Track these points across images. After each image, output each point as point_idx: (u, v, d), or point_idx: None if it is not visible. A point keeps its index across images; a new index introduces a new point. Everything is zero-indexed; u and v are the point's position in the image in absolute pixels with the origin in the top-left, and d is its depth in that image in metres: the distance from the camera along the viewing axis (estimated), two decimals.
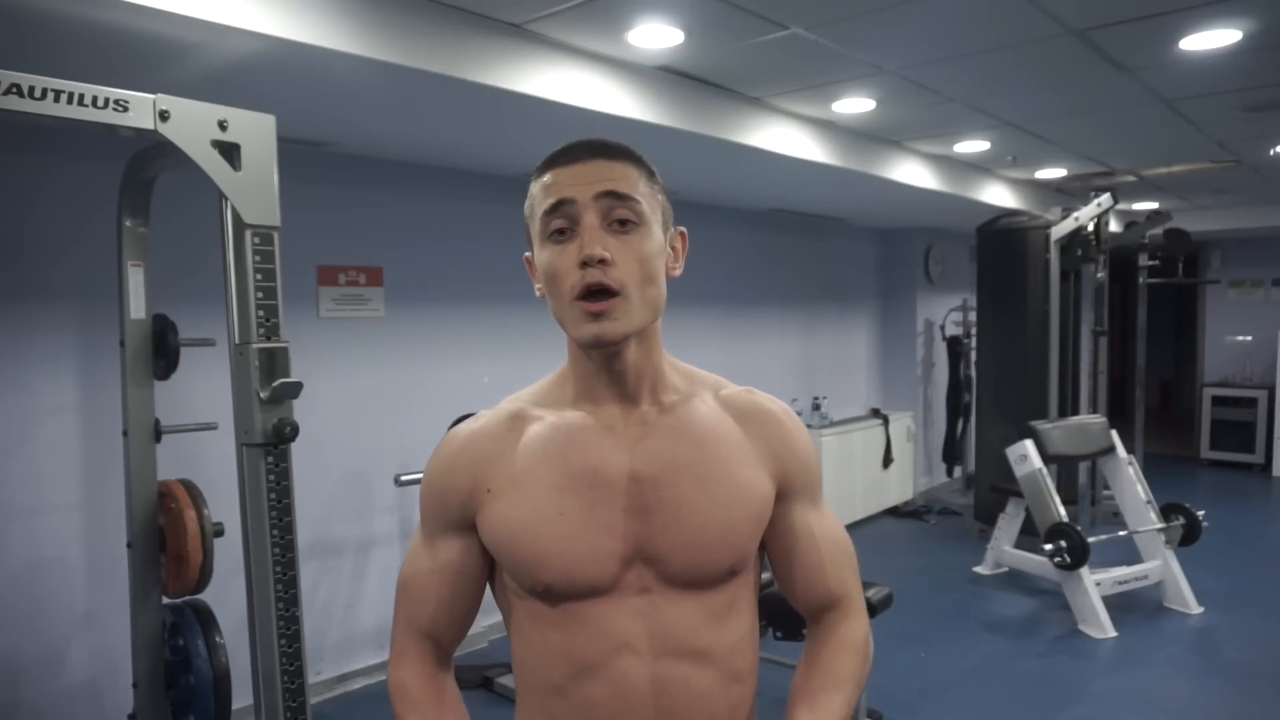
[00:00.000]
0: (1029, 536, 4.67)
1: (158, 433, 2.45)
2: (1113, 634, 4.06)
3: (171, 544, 2.39)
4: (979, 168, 5.33)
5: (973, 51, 3.00)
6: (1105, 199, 5.31)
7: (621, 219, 0.95)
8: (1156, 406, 10.26)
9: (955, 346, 6.83)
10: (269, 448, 2.01)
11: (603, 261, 0.93)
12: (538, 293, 1.03)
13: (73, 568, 2.92)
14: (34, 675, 2.85)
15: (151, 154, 2.23)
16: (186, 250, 2.90)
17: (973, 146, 4.62)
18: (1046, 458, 4.48)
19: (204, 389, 2.74)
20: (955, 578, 5.04)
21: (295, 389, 2.02)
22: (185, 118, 1.88)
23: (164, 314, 2.47)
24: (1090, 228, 5.47)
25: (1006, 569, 4.99)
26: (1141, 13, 2.65)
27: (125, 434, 2.41)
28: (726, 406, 1.06)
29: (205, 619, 2.39)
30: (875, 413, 6.65)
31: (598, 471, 0.99)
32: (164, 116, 1.85)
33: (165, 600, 2.48)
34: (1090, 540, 4.09)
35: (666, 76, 3.16)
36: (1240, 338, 8.48)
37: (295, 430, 2.03)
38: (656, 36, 2.75)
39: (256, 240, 1.99)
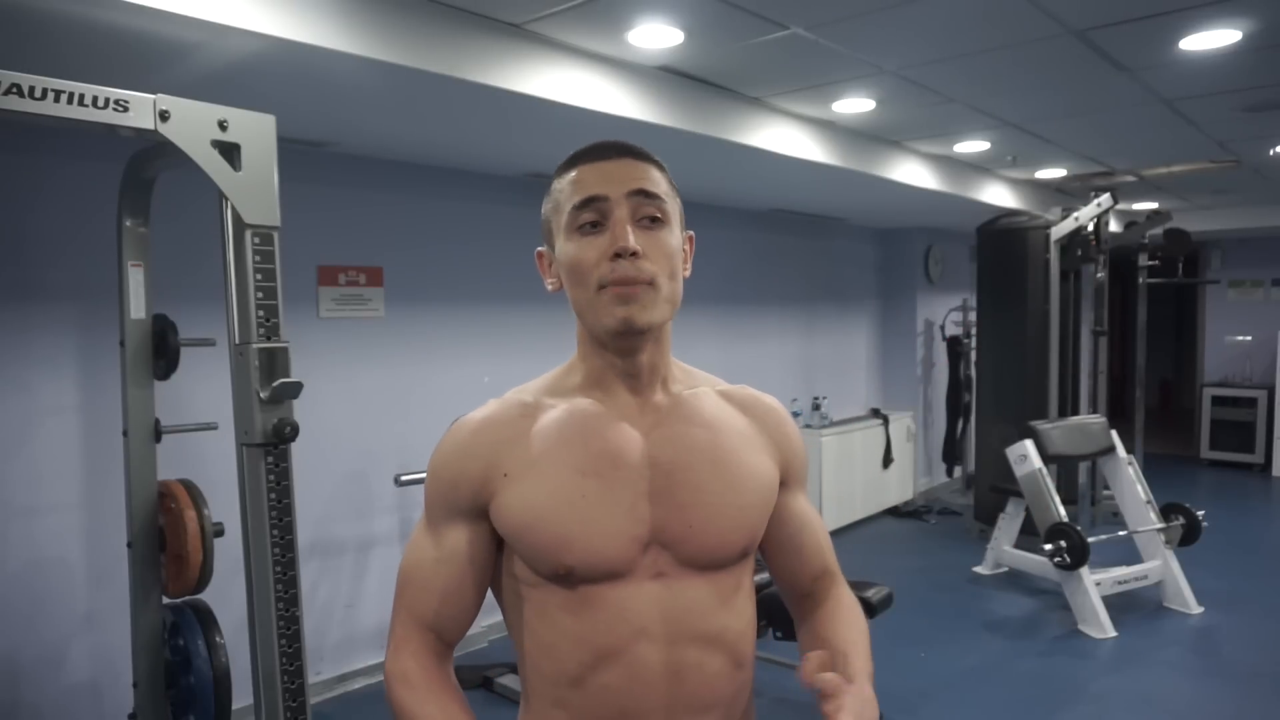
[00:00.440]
0: (1029, 536, 4.67)
1: (158, 433, 2.45)
2: (1113, 634, 4.06)
3: (171, 544, 2.39)
4: (979, 168, 5.33)
5: (973, 51, 3.00)
6: (1105, 199, 5.31)
7: (650, 216, 0.99)
8: (1156, 406, 10.27)
9: (955, 346, 6.83)
10: (269, 448, 2.01)
11: (635, 255, 0.96)
12: (550, 287, 1.06)
13: (73, 568, 2.92)
14: (34, 675, 2.85)
15: (151, 154, 2.23)
16: (186, 250, 2.90)
17: (973, 146, 4.62)
18: (1046, 458, 4.48)
19: (204, 389, 2.74)
20: (955, 578, 5.04)
21: (295, 389, 2.02)
22: (185, 118, 1.88)
23: (164, 314, 2.47)
24: (1090, 228, 5.47)
25: (1006, 569, 4.99)
26: (1141, 13, 2.65)
27: (125, 434, 2.41)
28: (728, 399, 1.12)
29: (205, 619, 2.39)
30: (875, 413, 6.65)
31: (617, 455, 1.00)
32: (164, 116, 1.85)
33: (165, 600, 2.48)
34: (1090, 540, 4.09)
35: (666, 76, 3.16)
36: (1240, 338, 8.48)
37: (295, 430, 2.03)
38: (656, 36, 2.75)
39: (256, 240, 1.99)
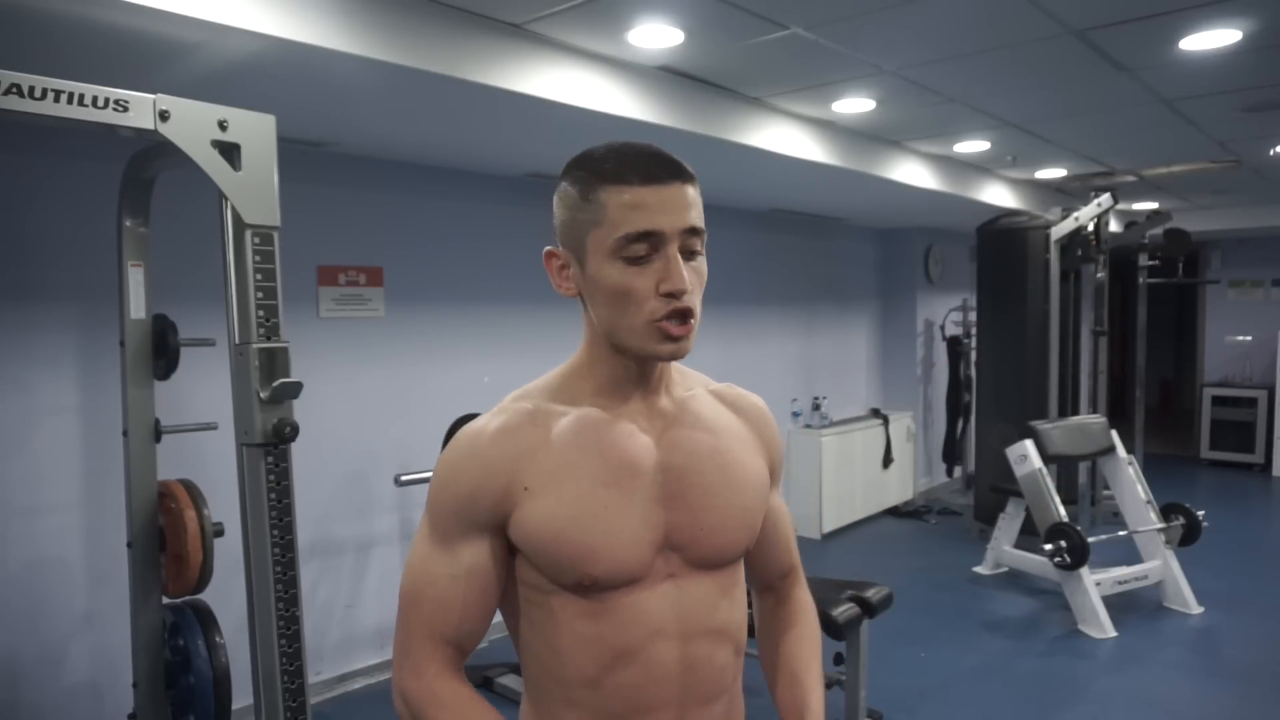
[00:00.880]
0: (1029, 536, 4.67)
1: (158, 433, 2.45)
2: (1113, 634, 4.06)
3: (171, 544, 2.39)
4: (979, 168, 5.33)
5: (973, 51, 3.00)
6: (1105, 199, 5.31)
7: (693, 249, 0.99)
8: (1156, 406, 10.27)
9: (955, 346, 6.83)
10: (269, 448, 2.01)
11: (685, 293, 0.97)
12: (565, 293, 1.03)
13: (73, 568, 2.92)
14: (34, 675, 2.85)
15: (151, 154, 2.23)
16: (186, 250, 2.90)
17: (973, 146, 4.62)
18: (1046, 458, 4.48)
19: (204, 389, 2.74)
20: (955, 578, 5.04)
21: (295, 389, 2.02)
22: (185, 118, 1.88)
23: (164, 314, 2.47)
24: (1090, 228, 5.47)
25: (1006, 569, 4.99)
26: (1141, 13, 2.65)
27: (125, 434, 2.41)
28: (721, 400, 1.14)
29: (205, 619, 2.39)
30: (875, 413, 6.65)
31: (633, 464, 1.01)
32: (164, 116, 1.85)
33: (165, 600, 2.48)
34: (1090, 540, 4.09)
35: (666, 76, 3.16)
36: (1240, 338, 8.48)
37: (295, 430, 2.03)
38: (656, 36, 2.75)
39: (256, 240, 1.99)
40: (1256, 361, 8.24)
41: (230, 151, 1.96)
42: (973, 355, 6.69)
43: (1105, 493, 5.65)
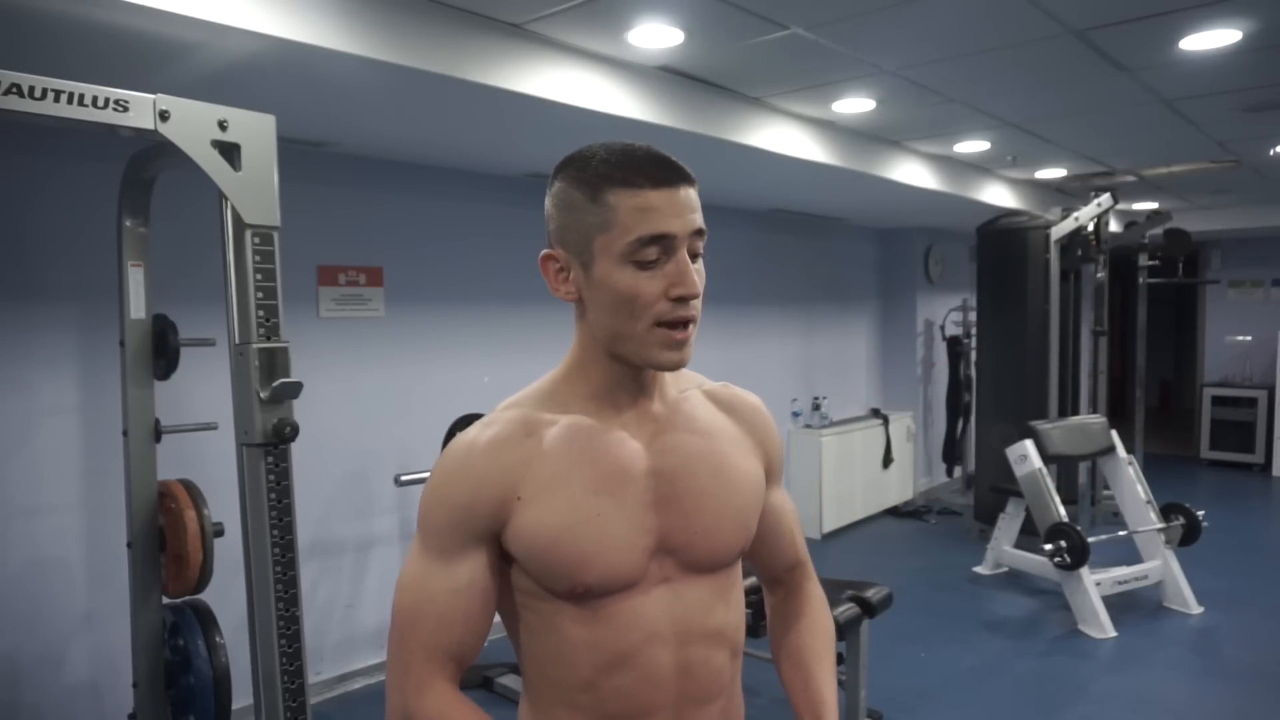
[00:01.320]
0: (1029, 536, 4.67)
1: (158, 433, 2.45)
2: (1113, 634, 4.06)
3: (171, 544, 2.39)
4: (979, 168, 5.33)
5: (973, 51, 3.00)
6: (1105, 199, 5.31)
7: (697, 253, 0.98)
8: (1156, 406, 10.27)
9: (955, 346, 6.83)
10: (269, 448, 2.01)
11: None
12: (565, 296, 1.01)
13: (73, 568, 2.92)
14: (34, 675, 2.85)
15: (151, 154, 2.23)
16: (186, 250, 2.91)
17: (973, 146, 4.62)
18: (1046, 458, 4.48)
19: (204, 389, 2.74)
20: (955, 578, 5.04)
21: (295, 389, 2.02)
22: (185, 118, 1.88)
23: (164, 314, 2.47)
24: (1090, 228, 5.47)
25: (1006, 569, 4.99)
26: (1141, 13, 2.65)
27: (125, 434, 2.41)
28: (714, 401, 1.13)
29: (205, 619, 2.39)
30: (875, 413, 6.65)
31: (625, 470, 1.01)
32: (164, 116, 1.85)
33: (165, 600, 2.48)
34: (1090, 540, 4.09)
35: (666, 76, 3.16)
36: (1240, 338, 8.48)
37: (295, 430, 2.03)
38: (656, 36, 2.75)
39: (256, 240, 1.99)
40: (1256, 361, 8.24)
41: (230, 151, 1.96)
42: (973, 355, 6.69)
43: (1105, 493, 5.65)
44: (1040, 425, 4.60)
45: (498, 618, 1.07)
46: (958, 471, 7.15)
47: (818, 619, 1.22)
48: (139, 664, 2.47)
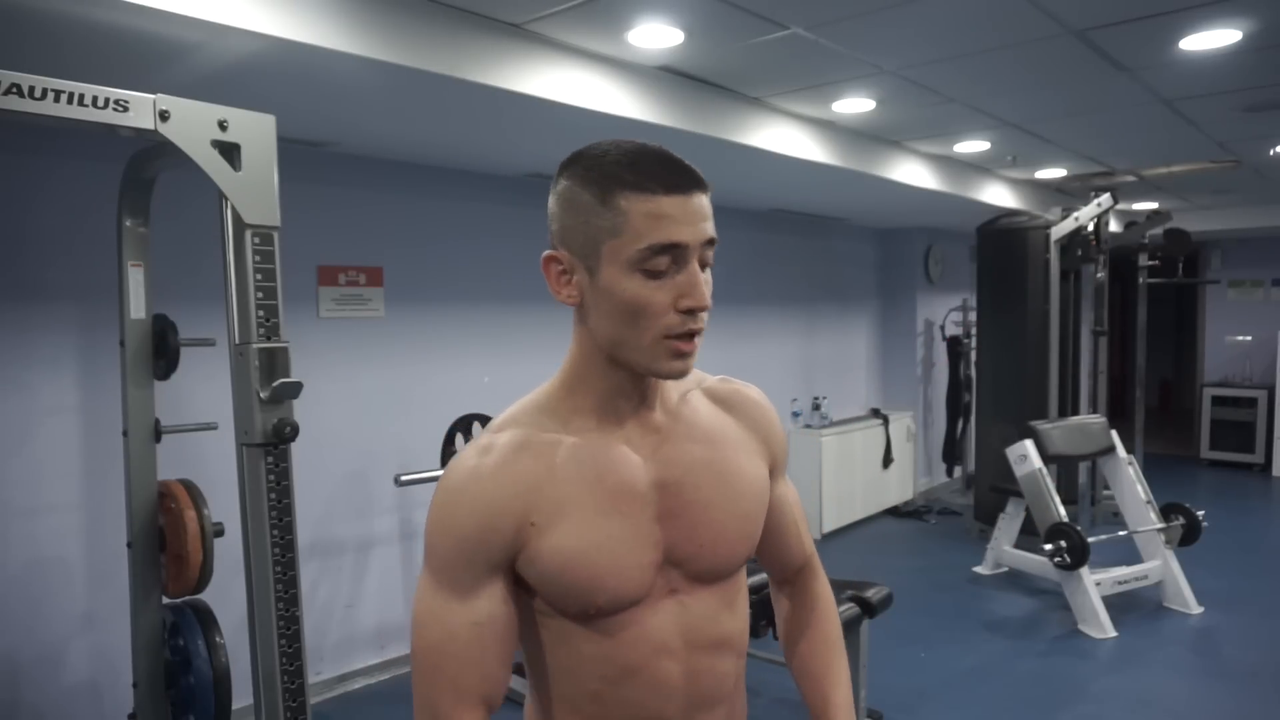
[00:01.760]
0: (1029, 536, 4.67)
1: (158, 433, 2.45)
2: (1113, 634, 4.06)
3: (171, 544, 2.39)
4: (979, 168, 5.33)
5: (973, 51, 3.00)
6: (1105, 199, 5.31)
7: (706, 262, 0.95)
8: (1156, 406, 10.27)
9: (955, 346, 6.83)
10: (269, 448, 2.01)
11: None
12: (567, 300, 0.97)
13: (73, 568, 2.92)
14: (34, 675, 2.85)
15: (151, 154, 2.23)
16: (186, 250, 2.91)
17: (973, 146, 4.62)
18: (1046, 458, 4.48)
19: (204, 389, 2.74)
20: (955, 578, 5.04)
21: (295, 389, 2.02)
22: (185, 118, 1.88)
23: (164, 314, 2.47)
24: (1090, 228, 5.47)
25: (1006, 569, 4.99)
26: (1141, 13, 2.65)
27: (125, 434, 2.41)
28: (715, 399, 1.10)
29: (205, 619, 2.39)
30: (875, 413, 6.65)
31: (632, 487, 0.99)
32: (164, 116, 1.85)
33: (165, 600, 2.48)
34: (1090, 540, 4.09)
35: (666, 76, 3.16)
36: (1240, 338, 8.48)
37: (295, 430, 2.03)
38: (656, 36, 2.75)
39: (256, 240, 1.99)
40: (1256, 361, 8.24)
41: (230, 151, 1.96)
42: (973, 355, 6.69)
43: (1105, 493, 5.64)
44: (1040, 425, 4.60)
45: None
46: (958, 471, 7.15)
47: (829, 623, 1.21)
48: (139, 664, 2.47)
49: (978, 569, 5.10)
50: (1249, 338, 8.41)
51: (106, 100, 1.76)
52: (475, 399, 3.83)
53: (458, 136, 3.35)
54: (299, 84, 2.53)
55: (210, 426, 2.61)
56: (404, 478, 3.30)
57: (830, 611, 1.22)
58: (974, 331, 6.61)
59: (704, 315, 0.94)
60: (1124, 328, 9.38)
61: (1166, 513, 4.48)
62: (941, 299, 7.16)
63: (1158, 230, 6.24)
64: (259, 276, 1.99)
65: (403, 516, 3.87)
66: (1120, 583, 4.31)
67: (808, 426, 6.03)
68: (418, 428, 3.79)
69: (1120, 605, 4.28)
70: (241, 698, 2.31)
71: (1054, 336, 5.47)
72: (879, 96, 3.54)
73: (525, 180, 4.16)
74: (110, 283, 2.44)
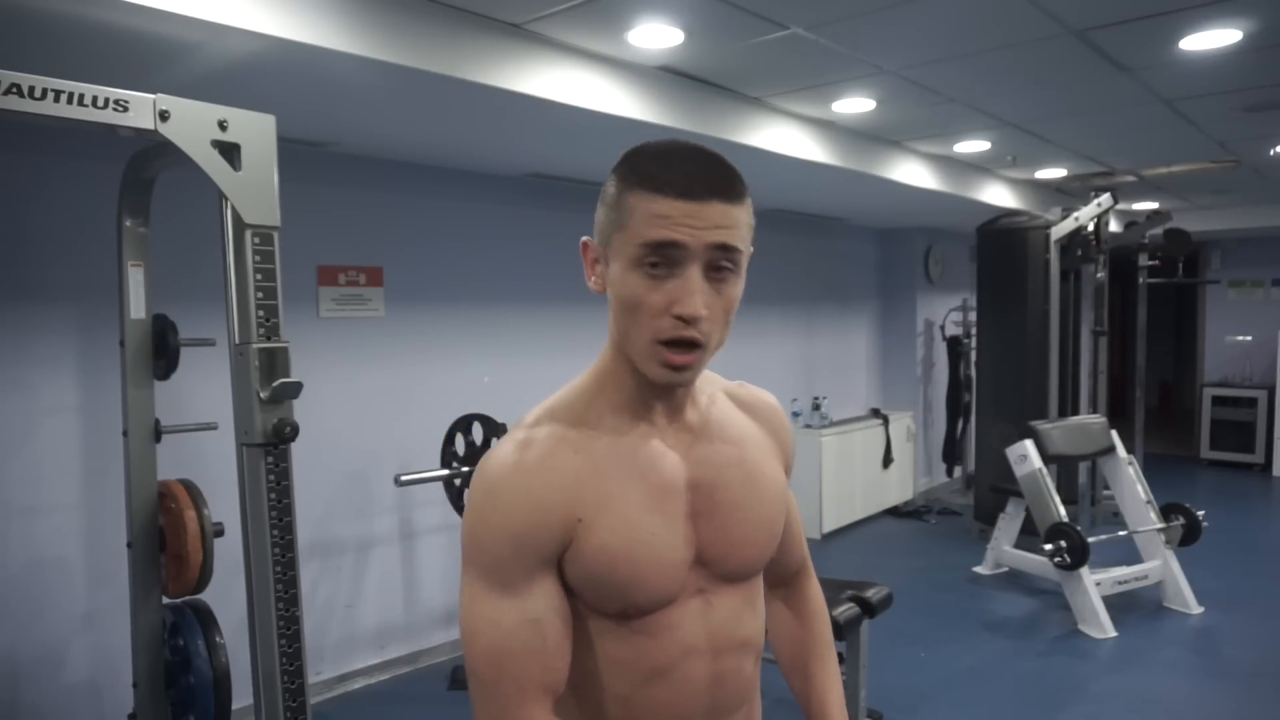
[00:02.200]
0: (1029, 536, 4.67)
1: (158, 433, 2.45)
2: (1113, 634, 4.06)
3: (171, 544, 2.39)
4: (979, 168, 5.33)
5: (973, 51, 3.00)
6: (1105, 199, 5.31)
7: (722, 267, 0.92)
8: (1156, 406, 10.27)
9: (955, 346, 6.83)
10: (269, 448, 2.01)
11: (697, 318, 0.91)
12: (594, 286, 0.98)
13: (73, 568, 2.92)
14: (34, 675, 2.85)
15: (151, 154, 2.23)
16: (186, 250, 2.90)
17: (973, 146, 4.62)
18: (1046, 458, 4.48)
19: (204, 389, 2.74)
20: (955, 578, 5.04)
21: (295, 389, 2.02)
22: (185, 118, 1.88)
23: (164, 314, 2.47)
24: (1090, 228, 5.47)
25: (1006, 569, 4.99)
26: (1141, 13, 2.65)
27: (125, 434, 2.41)
28: (738, 403, 1.11)
29: (205, 619, 2.39)
30: (875, 413, 6.65)
31: (671, 485, 0.99)
32: (164, 116, 1.85)
33: (165, 600, 2.48)
34: (1090, 540, 4.09)
35: (666, 76, 3.16)
36: (1240, 338, 8.48)
37: (295, 430, 2.03)
38: (656, 36, 2.75)
39: (256, 240, 1.99)
40: (1256, 361, 8.24)
41: (230, 151, 1.96)
42: (973, 355, 6.69)
43: (1105, 493, 5.64)
44: (1040, 425, 4.60)
45: None
46: (958, 471, 7.15)
47: (820, 622, 1.24)
48: (139, 664, 2.47)
49: (978, 569, 5.10)
50: (1249, 338, 8.41)
51: (106, 100, 1.76)
52: (475, 399, 3.83)
53: (458, 136, 3.35)
54: (299, 84, 2.53)
55: (210, 426, 2.61)
56: (404, 478, 3.30)
57: (822, 612, 1.25)
58: (974, 331, 6.61)
59: (705, 325, 0.91)
60: (1124, 328, 9.38)
61: (1166, 513, 4.48)
62: (941, 299, 7.16)
63: (1158, 230, 6.24)
64: (259, 276, 1.99)
65: (403, 516, 3.87)
66: (1120, 583, 4.31)
67: (808, 426, 6.03)
68: (418, 428, 3.79)
69: (1120, 605, 4.28)
70: (241, 698, 2.31)
71: (1054, 336, 5.47)
72: (879, 96, 3.54)
73: (525, 180, 4.16)
74: (110, 283, 2.44)
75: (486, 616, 0.93)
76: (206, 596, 2.43)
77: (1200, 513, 4.41)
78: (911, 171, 4.67)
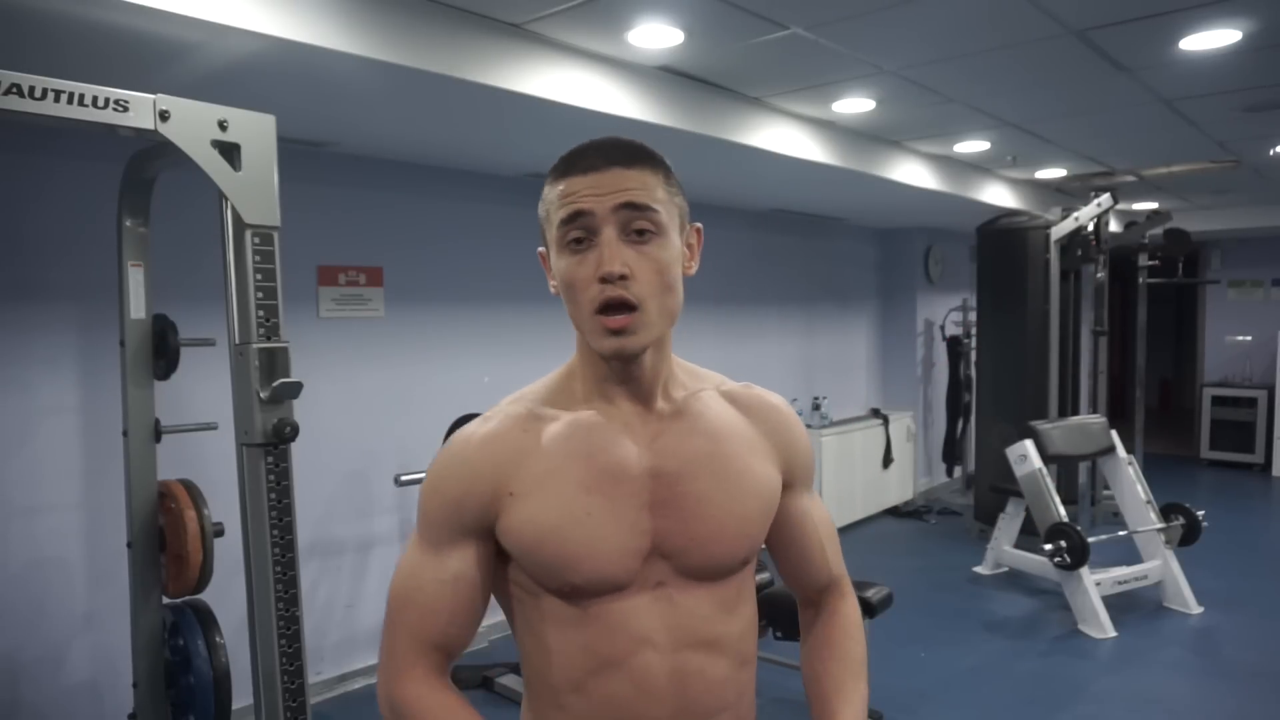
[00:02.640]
0: (1029, 536, 4.67)
1: (158, 433, 2.45)
2: (1113, 634, 4.06)
3: (171, 544, 2.39)
4: (979, 168, 5.33)
5: (973, 51, 3.00)
6: (1105, 199, 5.31)
7: (640, 229, 0.95)
8: (1156, 406, 10.27)
9: (955, 346, 6.83)
10: (269, 448, 2.01)
11: (622, 277, 0.93)
12: (552, 289, 1.02)
13: (73, 568, 2.92)
14: (34, 675, 2.85)
15: (151, 154, 2.23)
16: (186, 250, 2.90)
17: (973, 146, 4.62)
18: (1046, 458, 4.48)
19: (204, 389, 2.74)
20: (955, 578, 5.04)
21: (295, 389, 2.02)
22: (185, 118, 1.88)
23: (164, 314, 2.47)
24: (1090, 228, 5.47)
25: (1006, 569, 4.99)
26: (1141, 13, 2.65)
27: (125, 434, 2.41)
28: (731, 401, 1.09)
29: (205, 619, 2.39)
30: (875, 413, 6.65)
31: (621, 469, 0.99)
32: (164, 116, 1.85)
33: (165, 600, 2.48)
34: (1090, 540, 4.09)
35: (666, 76, 3.16)
36: (1240, 338, 8.48)
37: (295, 430, 2.03)
38: (656, 36, 2.75)
39: (256, 240, 1.99)
40: (1256, 361, 8.24)
41: (230, 151, 1.96)
42: (973, 355, 6.69)
43: (1105, 493, 5.64)
44: (1040, 425, 4.60)
45: (498, 618, 1.06)
46: (958, 471, 7.15)
47: (845, 642, 1.15)
48: (139, 664, 2.47)
49: (978, 569, 5.10)
50: (1249, 338, 8.41)
51: (106, 100, 1.76)
52: (475, 399, 3.82)
53: (458, 136, 3.35)
54: (299, 84, 2.53)
55: (210, 426, 2.61)
56: (404, 478, 3.30)
57: (852, 631, 1.17)
58: (974, 331, 6.62)
59: (634, 285, 0.93)
60: (1124, 328, 9.38)
61: (1166, 513, 4.48)
62: (941, 299, 7.16)
63: (1158, 230, 6.24)
64: (259, 276, 1.99)
65: (403, 516, 3.87)
66: (1120, 583, 4.31)
67: (808, 426, 6.01)
68: (418, 428, 3.79)
69: (1120, 605, 4.28)
70: (241, 698, 2.31)
71: (1054, 336, 5.47)
72: (879, 96, 3.54)
73: (525, 180, 4.16)
74: (110, 283, 2.44)
75: (409, 565, 1.03)
76: (206, 596, 2.43)
77: (1200, 513, 4.41)
78: (911, 171, 4.67)
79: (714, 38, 2.79)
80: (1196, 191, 6.42)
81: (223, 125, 1.94)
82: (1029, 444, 4.49)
